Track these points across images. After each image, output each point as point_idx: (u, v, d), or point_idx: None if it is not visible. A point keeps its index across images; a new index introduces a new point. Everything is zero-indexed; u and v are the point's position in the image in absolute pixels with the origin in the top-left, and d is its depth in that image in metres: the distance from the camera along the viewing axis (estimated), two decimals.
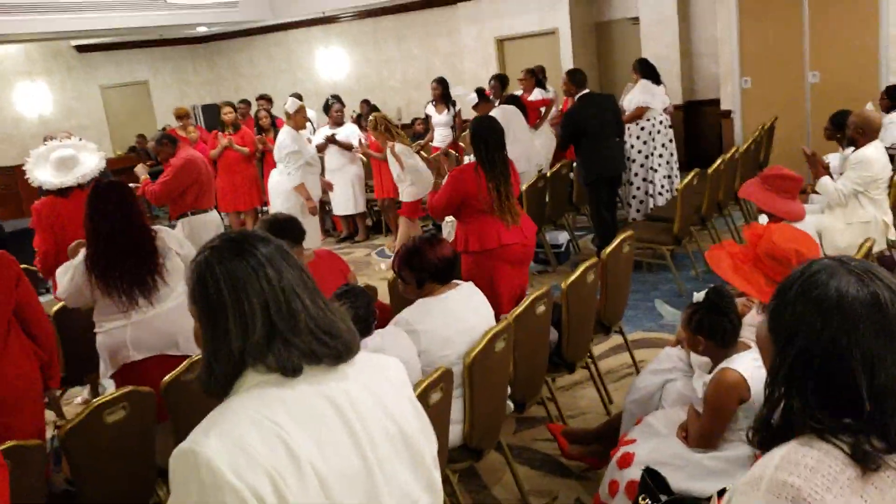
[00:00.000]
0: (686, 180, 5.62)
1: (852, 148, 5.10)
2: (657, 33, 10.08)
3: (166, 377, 3.03)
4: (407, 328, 2.98)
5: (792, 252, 2.55)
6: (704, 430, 2.49)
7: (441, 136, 8.57)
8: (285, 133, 6.65)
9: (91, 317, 3.62)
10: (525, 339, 3.30)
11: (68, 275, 3.40)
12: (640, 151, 7.40)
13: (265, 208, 9.40)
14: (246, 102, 10.39)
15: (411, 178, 6.91)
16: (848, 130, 5.13)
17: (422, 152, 8.71)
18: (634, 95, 7.45)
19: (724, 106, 9.12)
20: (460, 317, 3.08)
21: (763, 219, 5.54)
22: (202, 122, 13.49)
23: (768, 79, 8.71)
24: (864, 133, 4.93)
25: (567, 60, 10.67)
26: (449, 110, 8.49)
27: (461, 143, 8.63)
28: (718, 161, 6.16)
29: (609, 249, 4.01)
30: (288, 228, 3.80)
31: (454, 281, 3.21)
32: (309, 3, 11.64)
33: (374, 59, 12.94)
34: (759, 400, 2.46)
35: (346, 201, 8.18)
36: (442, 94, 8.44)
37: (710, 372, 2.60)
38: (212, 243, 1.35)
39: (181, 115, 9.42)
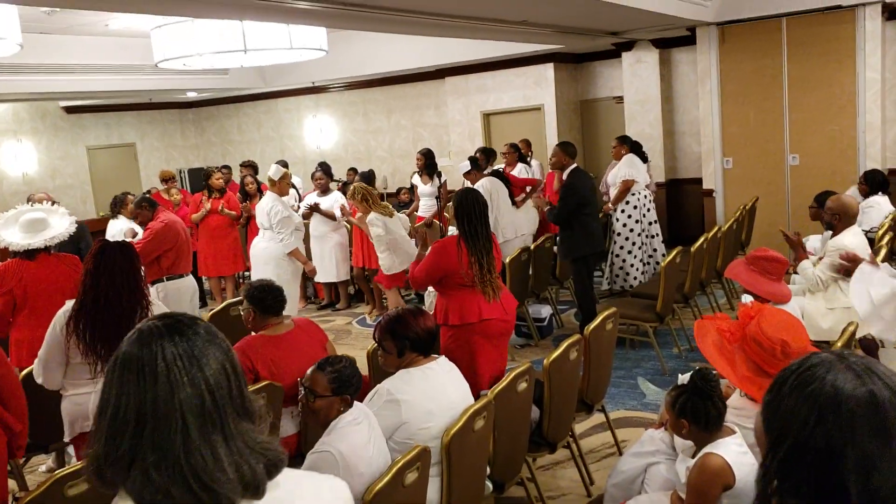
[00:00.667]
0: (669, 258, 5.63)
1: (830, 232, 5.15)
2: (641, 112, 10.30)
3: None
4: (388, 398, 2.90)
5: (778, 342, 2.53)
6: None
7: (426, 206, 8.61)
8: (271, 199, 6.63)
9: None
10: (506, 417, 3.22)
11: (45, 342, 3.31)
12: (624, 225, 7.46)
13: (247, 274, 9.34)
14: (227, 168, 10.46)
15: (386, 248, 6.96)
16: (825, 215, 5.18)
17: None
18: (621, 169, 7.58)
19: (706, 185, 9.25)
20: (442, 390, 3.00)
21: (746, 298, 5.57)
22: (188, 185, 13.52)
23: (749, 160, 8.87)
24: (840, 219, 4.98)
25: (552, 136, 10.85)
26: (434, 181, 8.54)
27: (446, 214, 8.69)
28: (701, 239, 6.20)
29: (592, 326, 3.97)
30: (272, 296, 3.75)
31: (433, 355, 3.14)
32: (299, 73, 11.82)
33: (362, 128, 13.10)
34: (743, 487, 2.40)
35: (328, 269, 8.13)
36: (426, 164, 8.51)
37: (693, 456, 2.53)
38: (150, 319, 1.28)
39: (166, 178, 9.42)
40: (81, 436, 3.29)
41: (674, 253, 5.70)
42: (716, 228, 6.72)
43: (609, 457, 4.44)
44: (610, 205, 7.61)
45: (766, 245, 8.53)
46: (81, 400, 3.27)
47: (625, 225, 7.46)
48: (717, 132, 9.00)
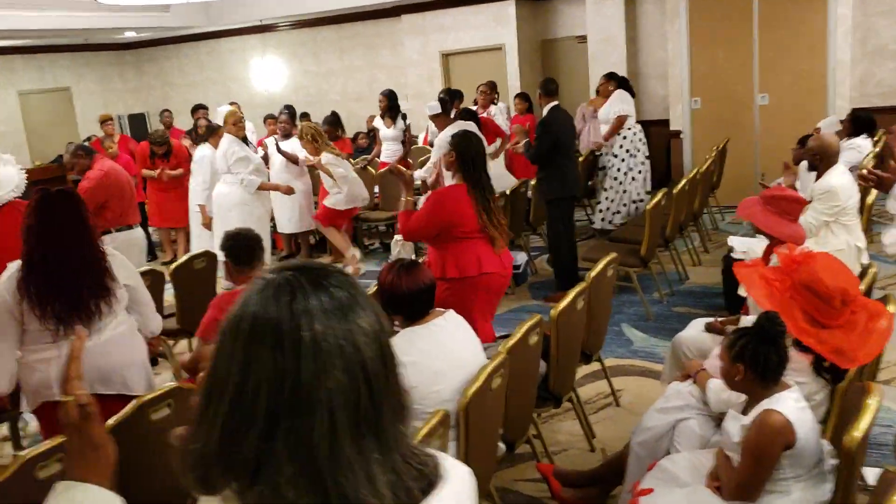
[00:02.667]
0: (655, 200, 5.44)
1: (814, 174, 5.00)
2: (604, 52, 10.02)
3: (109, 420, 2.58)
4: None
5: (838, 291, 2.33)
6: (744, 480, 2.21)
7: (389, 151, 8.21)
8: (227, 141, 6.20)
9: None
10: (518, 373, 2.98)
11: None
12: (622, 160, 7.58)
13: None
14: (168, 112, 9.86)
15: (343, 188, 6.76)
16: (806, 156, 5.02)
17: (369, 168, 8.37)
18: (613, 105, 7.57)
19: (673, 126, 9.08)
20: (450, 347, 2.74)
21: (735, 240, 5.43)
22: (128, 131, 12.79)
23: (717, 100, 8.71)
24: (822, 159, 4.82)
25: (513, 77, 10.51)
26: (397, 124, 8.14)
27: (409, 160, 8.34)
28: (683, 181, 6.02)
29: (594, 273, 3.75)
30: (246, 246, 3.41)
31: (437, 309, 2.86)
32: (245, 11, 11.15)
33: (313, 70, 12.51)
34: (804, 445, 2.22)
35: (290, 219, 7.70)
36: (389, 106, 8.09)
37: (744, 412, 2.33)
38: (282, 267, 0.94)
39: (104, 121, 8.82)
40: (44, 405, 2.93)
41: (659, 195, 5.51)
42: (694, 170, 6.55)
43: (606, 407, 4.28)
44: (602, 140, 7.63)
45: (736, 187, 8.52)
46: (42, 367, 2.89)
47: (623, 160, 7.58)
48: (686, 72, 8.79)
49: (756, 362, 2.23)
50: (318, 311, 0.86)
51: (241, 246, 3.39)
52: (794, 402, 2.22)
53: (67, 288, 2.84)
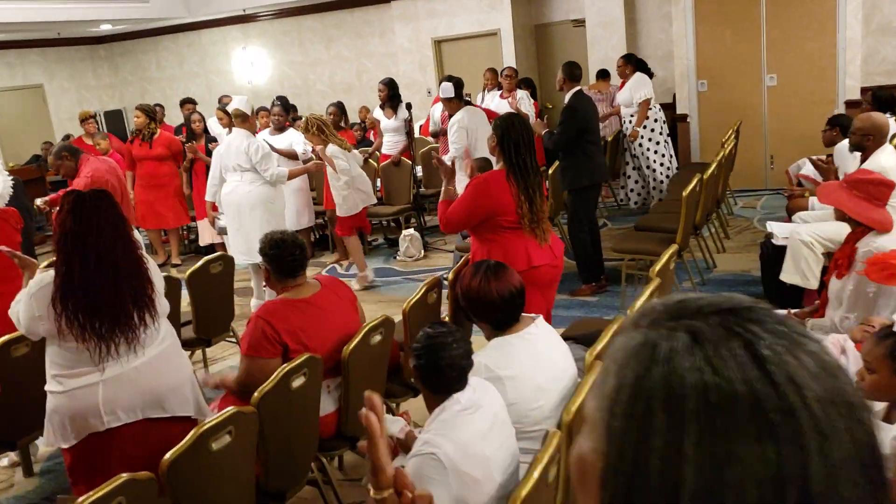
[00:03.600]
0: (691, 186, 5.19)
1: (858, 154, 4.79)
2: (604, 36, 9.78)
3: (168, 454, 2.27)
4: (488, 375, 2.33)
5: None
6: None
7: (392, 142, 7.88)
8: (244, 136, 5.72)
9: (35, 360, 2.80)
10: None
11: (24, 309, 2.56)
12: (649, 140, 7.79)
13: (192, 225, 8.47)
14: (160, 106, 9.39)
15: (346, 184, 6.38)
16: (854, 137, 4.79)
17: (370, 161, 8.04)
18: (636, 90, 7.61)
19: (679, 110, 8.86)
20: (548, 357, 2.47)
21: (773, 226, 5.22)
22: (104, 128, 12.28)
23: (725, 82, 8.51)
24: (873, 139, 4.61)
25: (509, 62, 10.22)
26: (398, 114, 7.81)
27: (412, 151, 8.03)
28: (714, 165, 5.79)
29: (658, 267, 3.49)
30: (290, 254, 3.10)
31: (529, 314, 2.58)
32: (227, 1, 10.73)
33: (298, 60, 12.11)
34: None
35: (290, 216, 7.34)
36: (389, 96, 7.75)
37: (887, 419, 2.09)
38: (659, 311, 0.65)
39: (84, 118, 8.38)
40: (90, 439, 2.59)
41: (694, 181, 5.27)
42: (720, 154, 6.32)
43: None
44: (636, 128, 7.67)
45: (746, 171, 8.35)
46: (85, 394, 2.56)
47: (650, 140, 7.77)
48: (692, 54, 8.57)
49: None
50: (804, 375, 0.58)
51: (287, 254, 3.07)
52: None
53: (110, 300, 2.51)
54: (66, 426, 2.59)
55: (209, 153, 7.49)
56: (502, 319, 2.48)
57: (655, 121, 7.86)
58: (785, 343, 0.59)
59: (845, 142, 5.28)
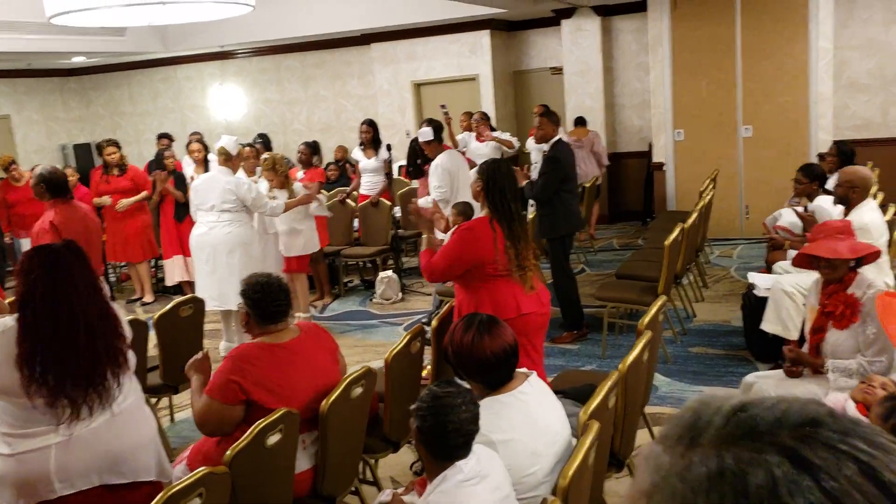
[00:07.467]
0: (673, 235, 5.16)
1: (841, 206, 4.79)
2: (581, 84, 9.86)
3: None
4: (480, 439, 2.20)
5: None
6: None
7: (371, 182, 7.78)
8: (229, 175, 5.56)
9: None
10: (601, 441, 2.60)
11: None
12: None
13: (160, 263, 8.23)
14: (169, 138, 9.07)
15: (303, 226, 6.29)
16: (839, 189, 4.80)
17: (348, 201, 7.93)
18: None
19: (656, 158, 8.91)
20: (541, 419, 2.34)
21: (759, 279, 5.19)
22: (73, 162, 12.03)
23: (701, 132, 8.58)
24: (858, 190, 4.62)
25: (488, 108, 10.24)
26: (379, 154, 7.74)
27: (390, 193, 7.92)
28: (694, 215, 5.78)
29: (647, 319, 3.40)
30: (273, 300, 2.96)
31: (522, 371, 2.46)
32: (205, 37, 10.62)
33: (275, 99, 12.02)
34: None
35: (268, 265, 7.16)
36: (373, 137, 7.69)
37: None
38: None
39: (5, 165, 8.12)
40: None
41: (677, 230, 5.23)
42: (700, 203, 6.32)
43: None
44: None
45: (721, 220, 8.38)
46: (36, 458, 2.33)
47: None
48: (669, 103, 8.65)
49: None
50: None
51: (271, 299, 2.92)
52: None
53: (84, 359, 2.33)
54: (11, 495, 2.37)
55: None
56: (496, 378, 2.35)
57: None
58: (887, 454, 0.50)
59: (824, 197, 5.31)
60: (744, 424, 0.53)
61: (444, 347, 2.51)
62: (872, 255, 3.20)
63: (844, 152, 6.64)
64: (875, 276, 4.27)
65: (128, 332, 2.63)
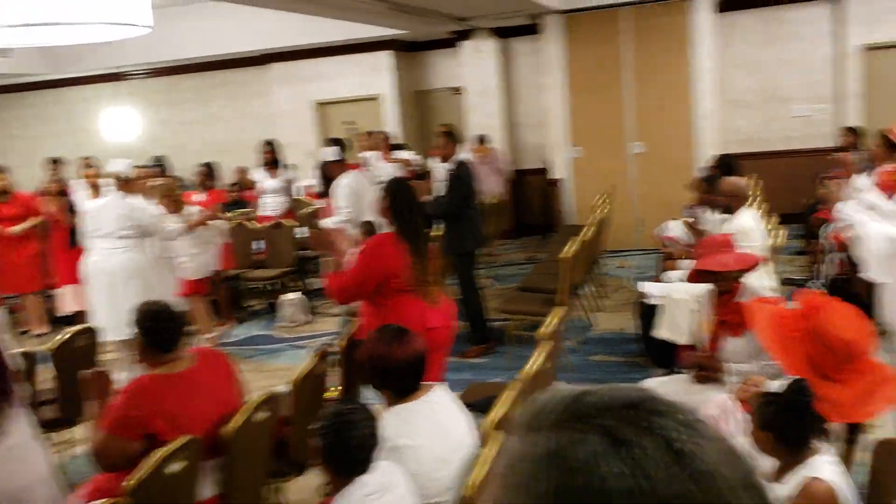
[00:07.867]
0: (572, 248, 5.36)
1: (726, 215, 5.13)
2: (482, 103, 10.10)
3: None
4: (388, 445, 2.25)
5: (843, 343, 2.25)
6: None
7: (273, 202, 7.73)
8: (123, 201, 5.38)
9: None
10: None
11: None
12: None
13: (50, 294, 7.88)
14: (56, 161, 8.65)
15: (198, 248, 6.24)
16: (721, 200, 5.15)
17: (250, 223, 7.85)
18: None
19: (555, 175, 9.21)
20: (449, 426, 2.42)
21: (652, 287, 5.45)
22: None
23: (596, 149, 8.93)
24: (740, 199, 4.99)
25: (391, 127, 10.34)
26: (280, 174, 7.70)
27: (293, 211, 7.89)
28: (590, 228, 6.02)
29: (549, 329, 3.54)
30: (166, 327, 2.92)
31: (429, 382, 2.54)
32: (96, 58, 10.30)
33: (170, 120, 11.76)
34: None
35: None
36: (274, 157, 7.66)
37: (778, 479, 2.16)
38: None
39: None
40: None
41: (574, 243, 5.44)
42: (593, 216, 6.59)
43: None
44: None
45: (617, 232, 8.73)
46: None
47: None
48: (566, 122, 8.97)
49: (786, 435, 2.10)
50: (716, 464, 0.59)
51: (165, 327, 2.88)
52: (831, 466, 2.09)
53: None
54: None
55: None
56: (407, 385, 2.42)
57: None
58: (692, 433, 0.60)
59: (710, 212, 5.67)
60: (576, 410, 0.62)
61: (360, 359, 2.56)
62: (755, 265, 3.44)
63: (726, 164, 7.05)
64: (757, 283, 4.59)
65: (11, 362, 2.55)
